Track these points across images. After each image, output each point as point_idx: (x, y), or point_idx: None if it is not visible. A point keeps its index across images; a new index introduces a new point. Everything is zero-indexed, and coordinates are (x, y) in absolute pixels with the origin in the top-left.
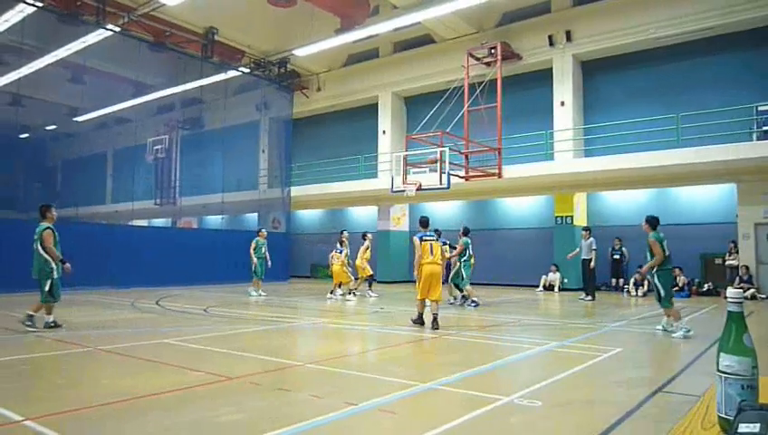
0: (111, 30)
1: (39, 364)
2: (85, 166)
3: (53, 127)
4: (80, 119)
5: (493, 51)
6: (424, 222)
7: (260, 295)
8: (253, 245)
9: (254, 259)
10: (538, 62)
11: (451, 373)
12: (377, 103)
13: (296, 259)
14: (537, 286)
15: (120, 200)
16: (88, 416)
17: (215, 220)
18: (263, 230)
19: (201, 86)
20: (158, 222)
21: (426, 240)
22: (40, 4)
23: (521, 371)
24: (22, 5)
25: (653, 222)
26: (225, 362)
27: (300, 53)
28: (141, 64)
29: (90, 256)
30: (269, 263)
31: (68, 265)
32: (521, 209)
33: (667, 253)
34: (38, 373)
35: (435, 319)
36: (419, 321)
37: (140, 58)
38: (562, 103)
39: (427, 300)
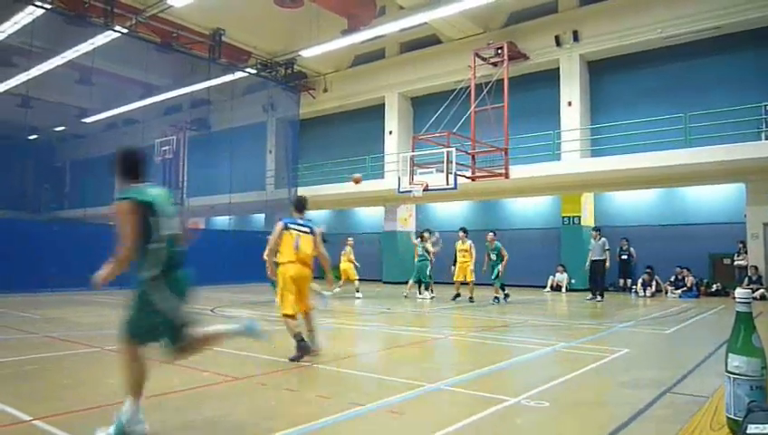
0: (119, 31)
1: (46, 364)
2: (93, 167)
3: (62, 128)
4: (88, 120)
5: (499, 51)
6: (298, 204)
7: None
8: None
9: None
10: (545, 63)
11: (458, 374)
12: (383, 104)
13: None
14: (544, 287)
15: None
16: (96, 416)
17: (222, 221)
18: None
19: (208, 87)
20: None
21: (293, 229)
22: (48, 7)
23: (528, 371)
24: (31, 8)
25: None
26: (232, 363)
27: (306, 53)
28: (149, 66)
29: (97, 256)
30: None
31: None
32: (528, 210)
33: None
34: (46, 373)
35: (302, 340)
36: (303, 351)
37: (148, 59)
38: (569, 103)
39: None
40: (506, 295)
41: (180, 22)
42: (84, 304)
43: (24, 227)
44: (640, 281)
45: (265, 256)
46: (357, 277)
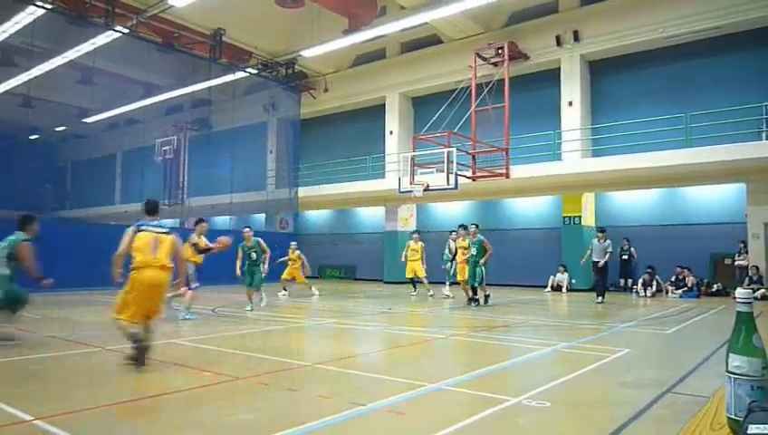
0: (120, 31)
1: (49, 364)
2: (95, 167)
3: (63, 128)
4: (89, 120)
5: (500, 51)
6: (149, 207)
7: (253, 308)
8: (239, 253)
9: (238, 270)
10: (545, 62)
11: (459, 374)
12: (384, 104)
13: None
14: (545, 287)
15: (129, 201)
16: (97, 416)
17: (223, 221)
18: (246, 230)
19: (209, 87)
20: (167, 222)
21: (146, 231)
22: (50, 7)
23: (529, 371)
24: (32, 8)
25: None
26: (234, 363)
27: (307, 53)
28: (150, 66)
29: (99, 256)
30: (263, 268)
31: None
32: (528, 210)
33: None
34: (48, 373)
35: (143, 351)
36: (142, 352)
37: (149, 59)
38: (570, 103)
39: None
40: (475, 300)
41: (181, 22)
42: (85, 304)
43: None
44: (641, 281)
45: (113, 260)
46: (286, 277)
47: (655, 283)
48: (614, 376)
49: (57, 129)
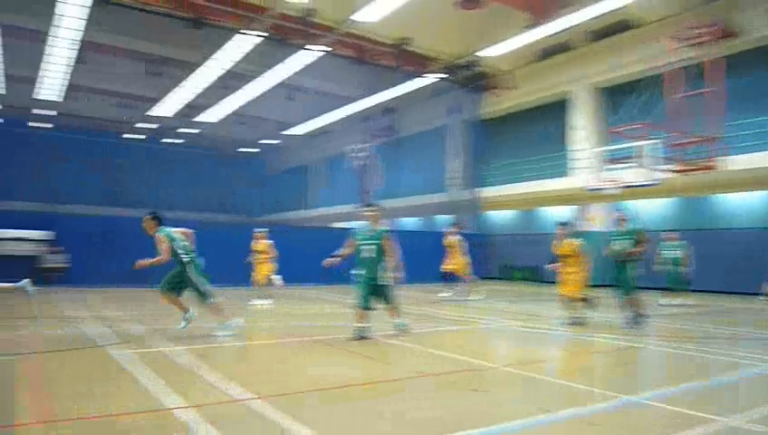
0: (323, 50)
1: (263, 352)
2: (295, 173)
3: (269, 141)
4: (290, 132)
5: (703, 30)
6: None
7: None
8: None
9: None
10: (760, 38)
11: (656, 387)
12: (569, 98)
13: (487, 260)
14: (760, 295)
15: (325, 205)
16: (300, 398)
17: (409, 222)
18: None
19: (395, 95)
20: (360, 224)
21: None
22: (257, 34)
23: (740, 390)
24: (239, 36)
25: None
26: (423, 359)
27: (488, 52)
28: (343, 79)
29: (305, 256)
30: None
31: None
32: (743, 206)
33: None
34: (262, 360)
35: None
36: None
37: (342, 73)
38: None
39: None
40: (638, 316)
41: (368, 35)
42: (304, 299)
43: (238, 228)
44: None
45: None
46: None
47: None
48: None
49: (263, 141)
